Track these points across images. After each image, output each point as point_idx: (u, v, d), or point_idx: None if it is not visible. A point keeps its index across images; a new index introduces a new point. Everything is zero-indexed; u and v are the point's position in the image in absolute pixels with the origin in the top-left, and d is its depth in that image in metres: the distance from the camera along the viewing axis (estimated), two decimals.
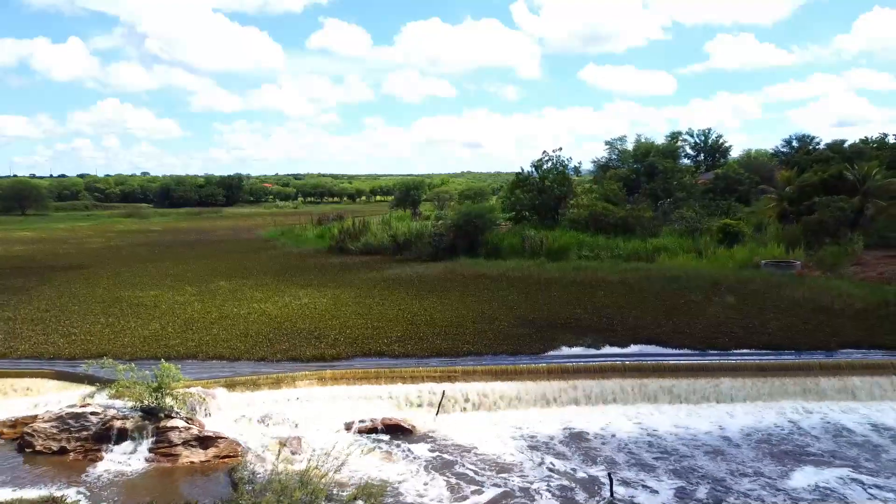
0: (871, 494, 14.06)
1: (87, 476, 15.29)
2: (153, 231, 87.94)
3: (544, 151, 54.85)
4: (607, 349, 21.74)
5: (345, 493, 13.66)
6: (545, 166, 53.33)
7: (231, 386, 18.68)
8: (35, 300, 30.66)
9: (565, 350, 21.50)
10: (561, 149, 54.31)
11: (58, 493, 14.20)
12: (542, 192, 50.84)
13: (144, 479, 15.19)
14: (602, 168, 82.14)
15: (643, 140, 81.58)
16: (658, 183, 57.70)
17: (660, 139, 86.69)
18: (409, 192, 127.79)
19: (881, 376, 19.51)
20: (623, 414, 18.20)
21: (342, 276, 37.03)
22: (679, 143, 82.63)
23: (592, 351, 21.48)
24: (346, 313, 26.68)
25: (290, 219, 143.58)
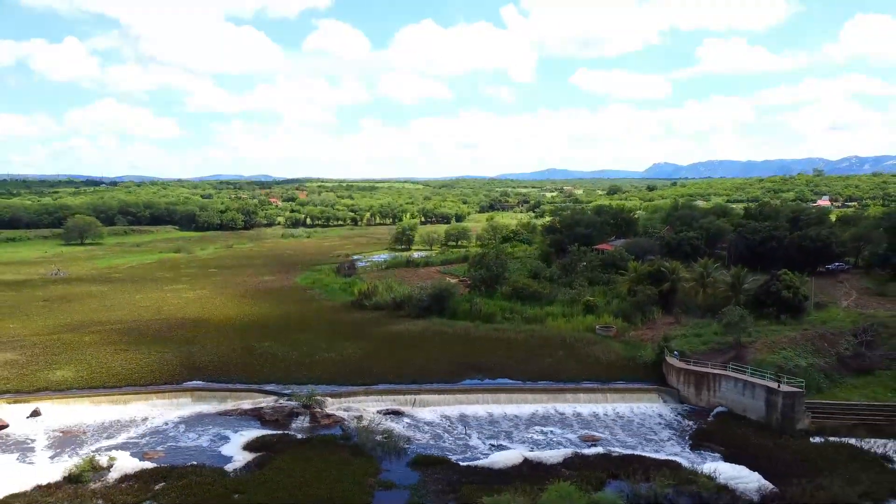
0: (561, 436, 42.97)
1: (290, 428, 44.00)
2: (211, 268, 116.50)
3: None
4: (487, 380, 50.72)
5: (380, 432, 42.39)
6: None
7: (332, 396, 47.49)
8: (208, 350, 59.25)
9: (467, 381, 50.48)
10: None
11: (284, 432, 42.88)
12: (489, 269, 79.71)
13: (310, 429, 43.93)
14: (549, 230, 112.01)
15: (580, 208, 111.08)
16: (568, 258, 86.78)
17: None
18: (405, 232, 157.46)
19: (591, 393, 48.45)
20: (482, 407, 47.03)
21: (366, 330, 65.74)
22: (602, 215, 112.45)
23: (479, 380, 50.44)
24: (371, 358, 55.45)
25: (306, 246, 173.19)
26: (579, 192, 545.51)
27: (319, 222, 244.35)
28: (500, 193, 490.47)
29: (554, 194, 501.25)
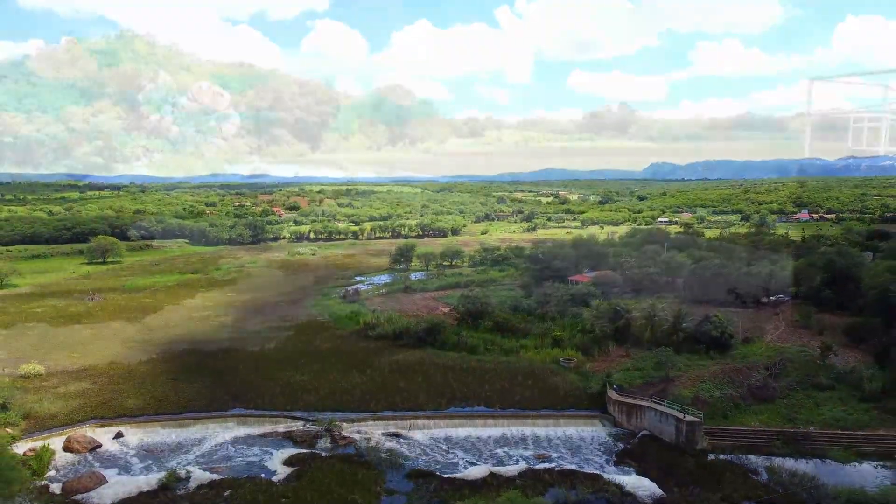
0: (519, 454, 56.97)
1: (316, 447, 57.97)
2: (229, 292, 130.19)
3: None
4: (467, 407, 64.70)
5: (385, 451, 56.33)
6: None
7: (347, 421, 61.48)
8: (242, 379, 73.10)
9: (452, 408, 64.48)
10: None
11: (311, 451, 56.82)
12: (474, 304, 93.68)
13: (331, 448, 57.87)
14: (531, 259, 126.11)
15: (558, 242, 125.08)
16: (543, 293, 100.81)
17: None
18: (403, 252, 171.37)
19: (547, 419, 62.38)
20: (462, 430, 61.02)
21: (371, 360, 79.61)
22: (579, 249, 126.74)
23: (460, 408, 64.42)
24: (376, 387, 69.35)
25: (312, 263, 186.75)
26: (574, 197, 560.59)
27: (322, 236, 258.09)
28: (497, 200, 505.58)
29: (549, 200, 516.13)
